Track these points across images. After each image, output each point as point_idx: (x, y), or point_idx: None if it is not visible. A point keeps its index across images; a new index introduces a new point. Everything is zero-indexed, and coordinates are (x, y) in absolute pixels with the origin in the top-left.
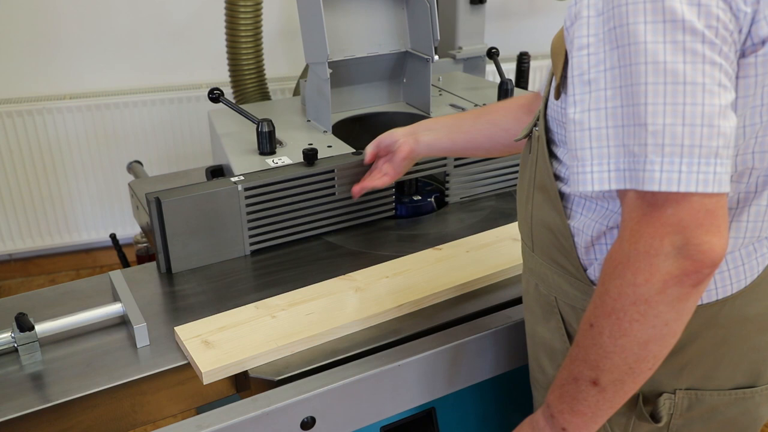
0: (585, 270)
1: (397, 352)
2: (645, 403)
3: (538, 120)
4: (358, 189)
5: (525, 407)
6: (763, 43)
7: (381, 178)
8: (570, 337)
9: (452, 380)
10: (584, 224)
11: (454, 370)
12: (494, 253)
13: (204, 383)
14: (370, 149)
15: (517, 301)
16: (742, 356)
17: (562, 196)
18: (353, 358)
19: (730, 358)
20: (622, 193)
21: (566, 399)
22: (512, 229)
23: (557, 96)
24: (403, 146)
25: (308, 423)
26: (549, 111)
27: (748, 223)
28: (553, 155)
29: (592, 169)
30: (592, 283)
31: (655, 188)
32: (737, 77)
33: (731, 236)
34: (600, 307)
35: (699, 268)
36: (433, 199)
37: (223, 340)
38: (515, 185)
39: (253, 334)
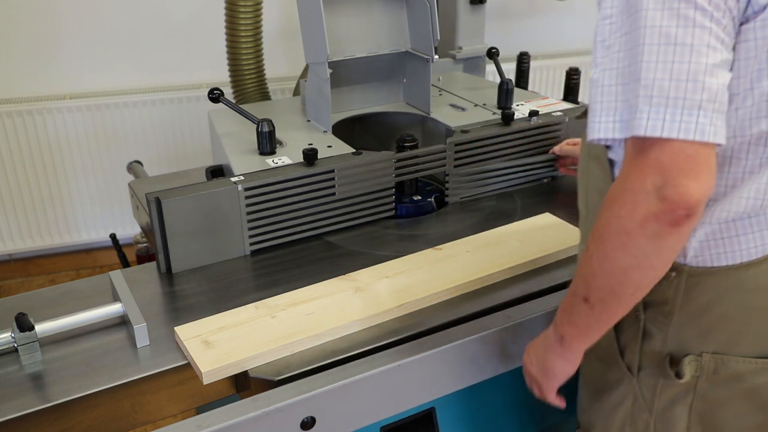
0: None
1: (397, 352)
2: (672, 363)
3: None
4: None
5: (525, 407)
6: (763, 9)
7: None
8: None
9: (452, 380)
10: None
11: (454, 370)
12: (495, 253)
13: (204, 383)
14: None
15: (517, 301)
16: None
17: (610, 162)
18: (353, 358)
19: (757, 325)
20: (625, 143)
21: (566, 311)
22: (513, 229)
23: None
24: None
25: (308, 423)
26: None
27: None
28: None
29: (600, 119)
30: None
31: (641, 133)
32: (740, 42)
33: (752, 197)
34: (592, 234)
35: (675, 209)
36: (433, 199)
37: (223, 340)
38: (515, 185)
39: (253, 334)
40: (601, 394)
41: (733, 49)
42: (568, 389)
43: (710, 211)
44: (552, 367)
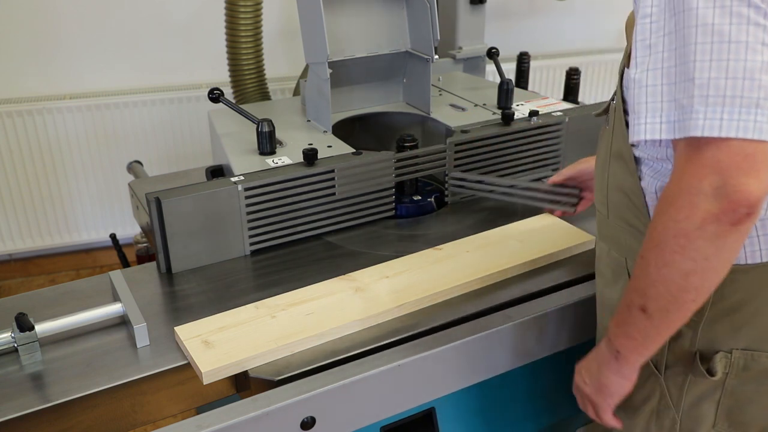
0: None
1: (397, 352)
2: (702, 361)
3: (615, 93)
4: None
5: (525, 407)
6: None
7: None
8: None
9: (452, 380)
10: (650, 183)
11: (454, 370)
12: (495, 253)
13: (204, 383)
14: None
15: (517, 301)
16: None
17: (636, 160)
18: (353, 358)
19: None
20: (674, 144)
21: (621, 324)
22: (513, 229)
23: (628, 64)
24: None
25: (308, 423)
26: (624, 83)
27: None
28: (628, 125)
29: (646, 120)
30: None
31: (698, 134)
32: None
33: None
34: (648, 240)
35: (735, 208)
36: (433, 199)
37: (223, 340)
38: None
39: (253, 334)
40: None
41: None
42: (568, 392)
43: None
44: (608, 385)
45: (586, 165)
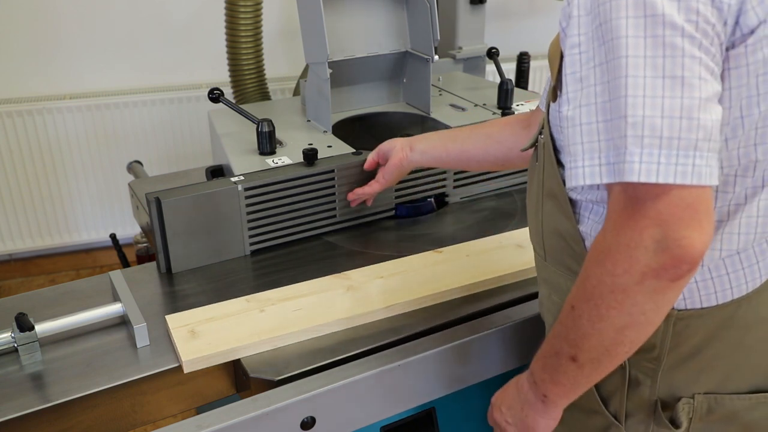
0: None
1: (397, 352)
2: (664, 408)
3: (543, 128)
4: (352, 196)
5: None
6: (751, 32)
7: (371, 185)
8: None
9: (452, 380)
10: (593, 228)
11: (453, 370)
12: (495, 259)
13: (185, 371)
14: (371, 156)
15: (517, 301)
16: (761, 359)
17: (572, 202)
18: (353, 358)
19: (749, 360)
20: (609, 187)
21: (548, 370)
22: (515, 236)
23: (554, 98)
24: (397, 153)
25: (308, 423)
26: (551, 117)
27: (758, 218)
28: (559, 162)
29: (583, 163)
30: None
31: (635, 179)
32: (730, 68)
33: (742, 233)
34: (581, 292)
35: (677, 264)
36: (433, 199)
37: (209, 331)
38: (515, 185)
39: (239, 326)
40: None
41: (721, 77)
42: None
43: None
44: (534, 427)
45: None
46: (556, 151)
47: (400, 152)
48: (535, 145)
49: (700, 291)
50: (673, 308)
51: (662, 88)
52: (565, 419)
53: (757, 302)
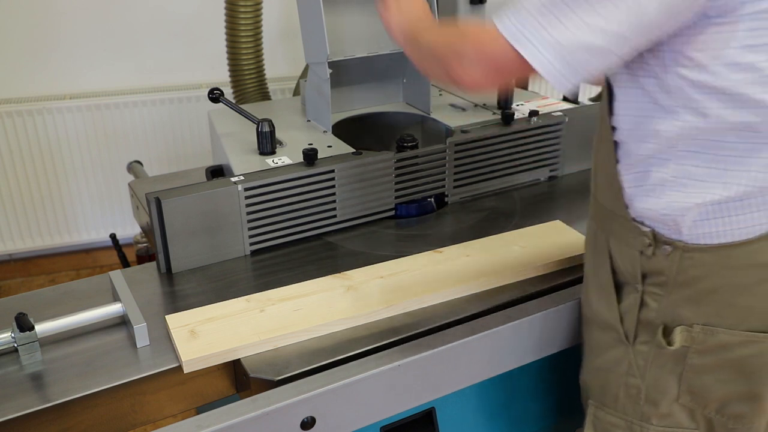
0: (627, 208)
1: (397, 352)
2: (665, 334)
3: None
4: None
5: (525, 406)
6: None
7: None
8: (614, 272)
9: (452, 380)
10: (629, 170)
11: (454, 370)
12: (495, 259)
13: (185, 371)
14: None
15: (517, 302)
16: (756, 301)
17: (615, 144)
18: (353, 358)
19: (744, 300)
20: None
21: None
22: (517, 237)
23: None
24: None
25: (308, 423)
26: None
27: (758, 173)
28: (611, 111)
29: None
30: (634, 220)
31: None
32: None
33: (743, 183)
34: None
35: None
36: (433, 199)
37: (209, 331)
38: (515, 185)
39: (239, 326)
40: (599, 359)
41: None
42: (568, 392)
43: (702, 193)
44: None
45: None
46: (611, 101)
47: None
48: (600, 95)
49: (703, 228)
50: (680, 240)
51: None
52: (587, 336)
53: (755, 248)
